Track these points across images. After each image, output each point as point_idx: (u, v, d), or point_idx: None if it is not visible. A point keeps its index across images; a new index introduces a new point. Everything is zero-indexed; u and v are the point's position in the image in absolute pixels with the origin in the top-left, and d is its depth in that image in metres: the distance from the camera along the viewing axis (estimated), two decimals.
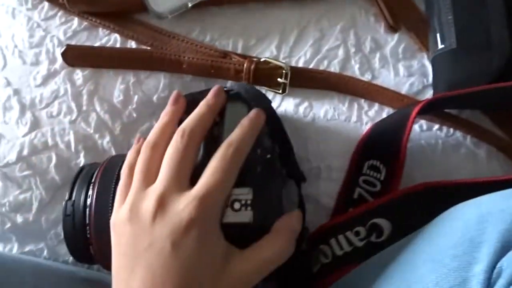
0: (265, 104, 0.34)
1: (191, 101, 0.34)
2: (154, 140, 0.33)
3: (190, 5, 0.42)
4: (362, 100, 0.42)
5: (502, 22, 0.36)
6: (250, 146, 0.32)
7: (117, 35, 0.44)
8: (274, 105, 0.42)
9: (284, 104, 0.43)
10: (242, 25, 0.44)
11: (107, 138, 0.41)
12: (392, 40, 0.43)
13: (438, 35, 0.40)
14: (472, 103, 0.39)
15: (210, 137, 0.33)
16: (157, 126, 0.34)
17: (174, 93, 0.35)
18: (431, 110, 0.39)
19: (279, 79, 0.42)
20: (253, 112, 0.33)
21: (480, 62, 0.37)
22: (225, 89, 0.35)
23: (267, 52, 0.44)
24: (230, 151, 0.31)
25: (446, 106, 0.39)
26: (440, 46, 0.39)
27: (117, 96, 0.42)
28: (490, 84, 0.36)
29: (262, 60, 0.42)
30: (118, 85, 0.42)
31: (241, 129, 0.32)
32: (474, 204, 0.29)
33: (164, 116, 0.34)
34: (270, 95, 0.43)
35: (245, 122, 0.33)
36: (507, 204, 0.27)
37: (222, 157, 0.31)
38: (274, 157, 0.33)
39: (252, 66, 0.41)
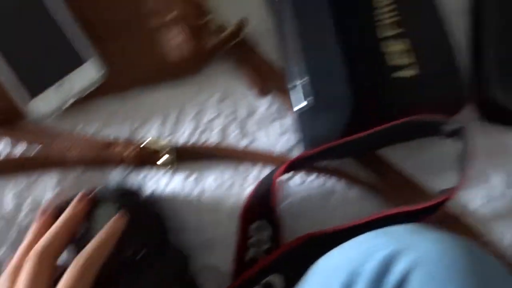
0: (135, 202, 0.36)
1: (63, 210, 0.36)
2: (13, 265, 0.34)
3: (69, 103, 0.45)
4: (245, 164, 0.46)
5: (343, 79, 0.40)
6: (105, 254, 0.33)
7: (6, 140, 0.45)
8: (163, 182, 0.45)
9: (174, 180, 0.45)
10: (125, 111, 0.47)
11: (3, 249, 0.42)
12: (264, 103, 0.47)
13: (299, 94, 0.43)
14: (331, 155, 0.43)
15: (80, 246, 0.34)
16: (19, 249, 0.35)
17: (40, 208, 0.36)
18: (298, 167, 0.43)
19: (164, 158, 0.45)
20: (112, 220, 0.35)
21: (331, 117, 0.41)
22: (93, 192, 0.37)
23: (151, 133, 0.46)
24: (80, 263, 0.32)
25: (310, 162, 0.43)
26: (301, 105, 0.43)
27: (8, 203, 0.43)
28: (342, 139, 0.40)
29: (145, 143, 0.45)
30: (9, 192, 0.43)
31: (95, 240, 0.34)
32: (328, 257, 0.33)
33: (28, 236, 0.35)
34: (159, 173, 0.45)
35: (101, 232, 0.34)
36: (349, 255, 0.30)
37: (71, 269, 0.32)
38: (147, 254, 0.35)
39: (136, 151, 0.44)
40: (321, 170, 0.44)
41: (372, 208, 0.43)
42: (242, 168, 0.46)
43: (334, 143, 0.40)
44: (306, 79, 0.43)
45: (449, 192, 0.37)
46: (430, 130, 0.40)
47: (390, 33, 0.42)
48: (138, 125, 0.47)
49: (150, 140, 0.45)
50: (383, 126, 0.39)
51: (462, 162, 0.38)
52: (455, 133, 0.38)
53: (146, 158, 0.44)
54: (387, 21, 0.43)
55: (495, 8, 0.42)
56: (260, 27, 0.48)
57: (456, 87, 0.41)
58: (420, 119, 0.38)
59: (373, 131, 0.38)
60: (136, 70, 0.45)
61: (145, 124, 0.47)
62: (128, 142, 0.45)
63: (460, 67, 0.41)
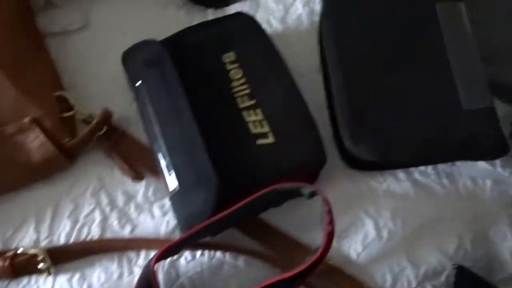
0: None
1: None
2: None
3: None
4: (130, 252, 0.45)
5: (205, 156, 0.41)
6: None
7: None
8: None
9: (57, 284, 0.43)
10: None
11: None
12: (141, 187, 0.47)
13: (168, 177, 0.43)
14: (209, 232, 0.43)
15: None
16: None
17: None
18: (176, 250, 0.42)
19: (41, 264, 0.43)
20: None
21: (200, 196, 0.41)
22: None
23: (27, 238, 0.45)
24: None
25: (189, 242, 0.43)
26: (172, 188, 0.43)
27: None
28: (214, 216, 0.40)
29: (18, 252, 0.43)
30: None
31: None
32: None
33: None
34: (41, 279, 0.43)
35: None
36: None
37: None
38: None
39: (7, 263, 0.42)
40: (205, 246, 0.44)
41: (260, 274, 0.43)
42: (127, 258, 0.45)
43: (207, 222, 0.40)
44: (169, 161, 0.43)
45: (318, 251, 0.39)
46: (295, 194, 0.41)
47: (246, 104, 0.44)
48: (12, 232, 0.45)
49: (24, 248, 0.43)
50: (250, 198, 0.40)
51: (323, 220, 0.39)
52: (313, 195, 0.40)
53: (21, 267, 0.43)
54: (242, 93, 0.45)
55: (335, 65, 0.45)
56: (128, 112, 0.49)
57: (315, 146, 0.43)
58: (282, 187, 0.40)
59: (243, 204, 0.39)
60: (1, 178, 0.44)
61: (19, 230, 0.45)
62: (1, 253, 0.43)
63: (316, 127, 0.44)
